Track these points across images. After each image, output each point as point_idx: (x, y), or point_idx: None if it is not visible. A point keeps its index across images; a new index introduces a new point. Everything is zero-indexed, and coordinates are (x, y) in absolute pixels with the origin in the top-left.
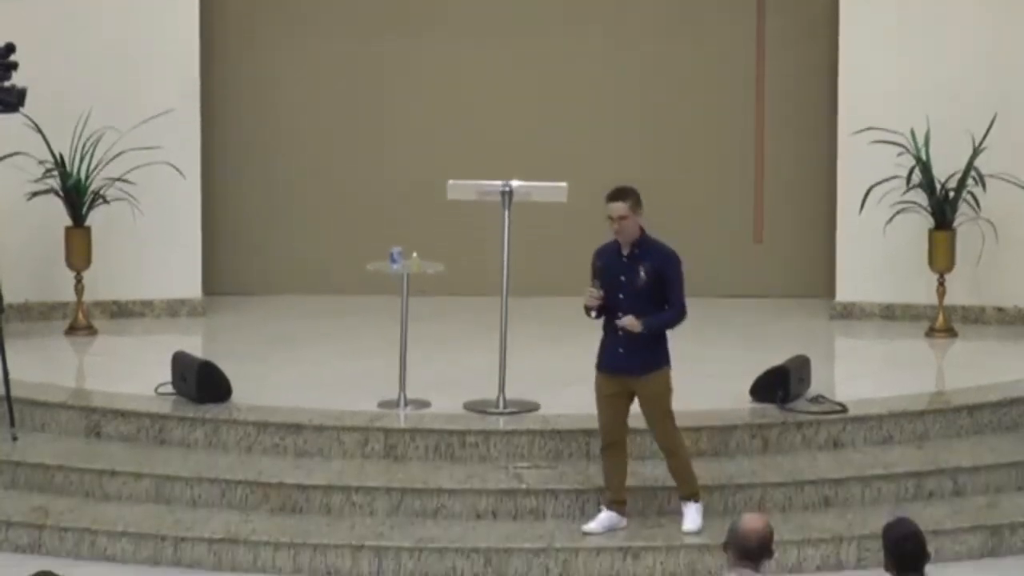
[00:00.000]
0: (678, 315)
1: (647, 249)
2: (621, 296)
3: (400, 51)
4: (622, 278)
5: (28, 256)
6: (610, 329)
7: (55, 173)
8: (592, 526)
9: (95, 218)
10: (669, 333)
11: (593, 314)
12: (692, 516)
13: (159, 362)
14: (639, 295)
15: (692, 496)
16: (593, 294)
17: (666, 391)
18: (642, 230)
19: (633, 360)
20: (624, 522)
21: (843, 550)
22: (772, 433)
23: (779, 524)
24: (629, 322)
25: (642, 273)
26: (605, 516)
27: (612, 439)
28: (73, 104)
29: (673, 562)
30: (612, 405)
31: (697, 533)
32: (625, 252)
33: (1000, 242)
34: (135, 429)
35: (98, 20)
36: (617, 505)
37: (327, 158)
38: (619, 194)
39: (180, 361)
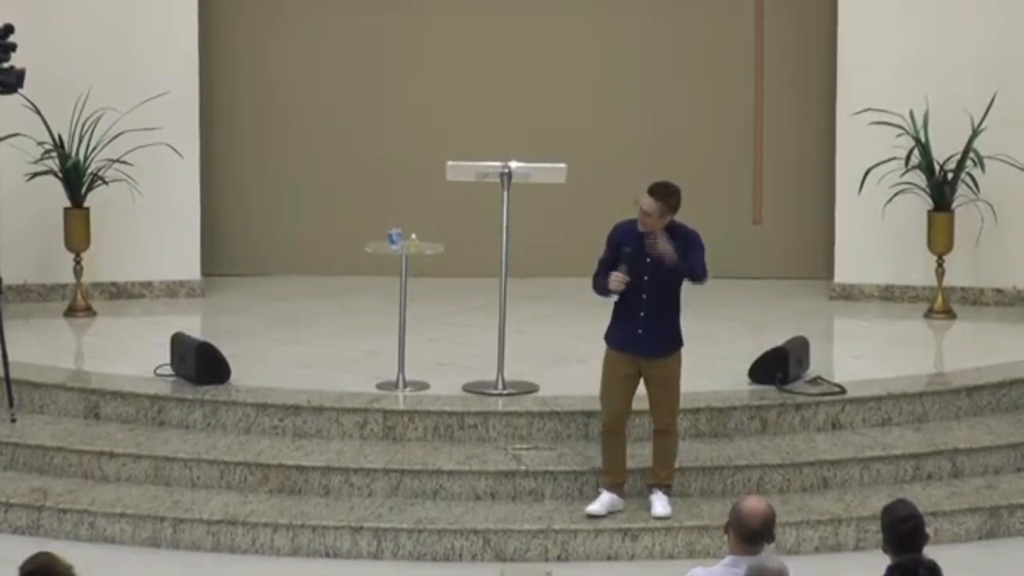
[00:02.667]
0: (703, 271)
1: (673, 232)
2: (646, 278)
3: (401, 31)
4: (648, 260)
5: (27, 238)
6: (627, 308)
7: (54, 154)
8: (595, 508)
9: (94, 199)
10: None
11: (615, 297)
12: (662, 503)
13: (158, 343)
14: (665, 276)
15: (667, 485)
16: (620, 279)
17: (677, 373)
18: (670, 223)
19: (653, 341)
20: (623, 504)
21: (841, 532)
22: (771, 414)
23: (778, 506)
24: (664, 248)
25: (668, 245)
26: (608, 498)
27: (620, 421)
28: (72, 85)
29: (672, 543)
30: (625, 385)
31: (667, 518)
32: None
33: (999, 223)
34: (134, 410)
35: (97, 0)
36: (619, 488)
37: (326, 139)
38: (656, 191)
39: (179, 342)
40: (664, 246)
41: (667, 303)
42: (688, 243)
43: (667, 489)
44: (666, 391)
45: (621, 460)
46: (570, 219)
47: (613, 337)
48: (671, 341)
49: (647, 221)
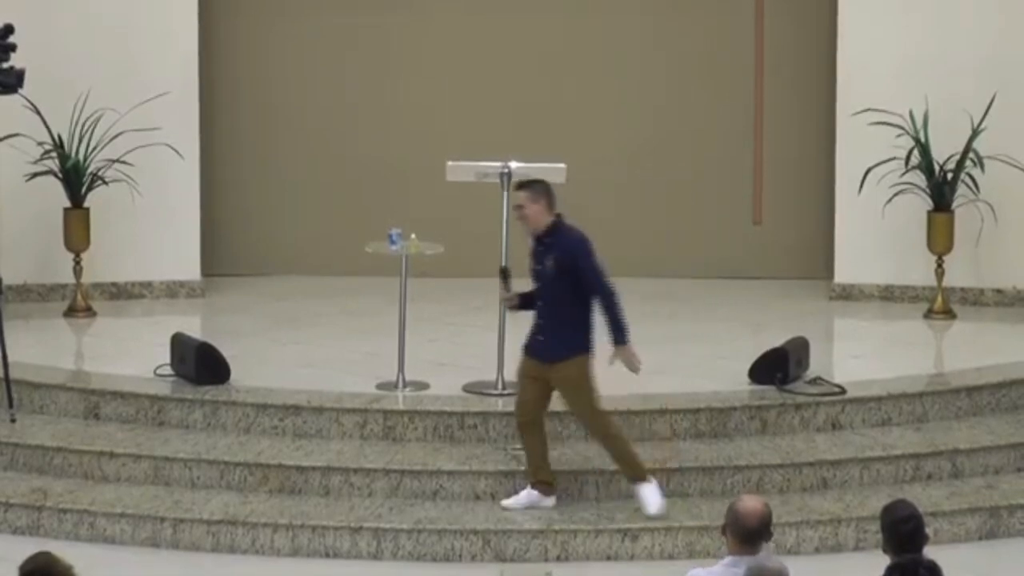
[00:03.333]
0: (610, 299)
1: (557, 238)
2: (538, 285)
3: (401, 31)
4: (537, 267)
5: (27, 238)
6: (535, 315)
7: (54, 154)
8: (509, 501)
9: (94, 200)
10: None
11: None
12: (649, 498)
13: (158, 344)
14: (552, 284)
15: (640, 478)
16: (504, 297)
17: (578, 379)
18: (556, 220)
19: (546, 347)
20: (548, 502)
21: (841, 532)
22: (771, 415)
23: (777, 506)
24: (628, 363)
25: (549, 263)
26: (525, 494)
27: (526, 418)
28: (71, 85)
29: (671, 544)
30: (531, 386)
31: (662, 516)
32: (535, 241)
33: (999, 224)
34: (134, 411)
35: (97, 1)
36: (539, 485)
37: (326, 139)
38: (521, 184)
39: (179, 343)
40: (627, 364)
41: (561, 310)
42: (574, 257)
43: (644, 479)
44: (571, 398)
45: (539, 458)
46: (570, 219)
47: (526, 341)
48: (567, 348)
49: (524, 214)
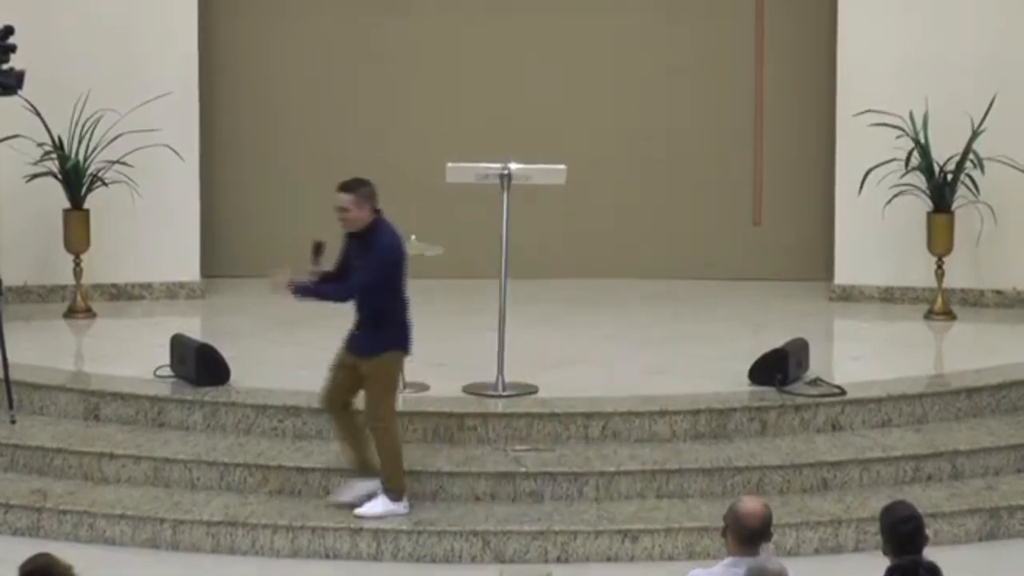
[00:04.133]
0: (344, 291)
1: (376, 236)
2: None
3: (401, 31)
4: (357, 263)
5: (27, 239)
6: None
7: (54, 156)
8: (334, 497)
9: (94, 201)
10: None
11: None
12: (377, 503)
13: (158, 345)
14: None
15: (388, 489)
16: (309, 270)
17: (385, 374)
18: (377, 219)
19: (362, 341)
20: (369, 486)
21: (841, 533)
22: (770, 416)
23: (777, 507)
24: (274, 282)
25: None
26: (356, 484)
27: (327, 404)
28: (71, 86)
29: (671, 545)
30: (340, 374)
31: (364, 518)
32: (357, 239)
33: (999, 225)
34: (134, 412)
35: (97, 2)
36: (362, 472)
37: (326, 139)
38: (346, 186)
39: (179, 344)
40: (275, 281)
41: (367, 308)
42: (371, 255)
43: (390, 494)
44: (371, 390)
45: (346, 444)
46: (570, 220)
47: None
48: (382, 343)
49: (348, 216)
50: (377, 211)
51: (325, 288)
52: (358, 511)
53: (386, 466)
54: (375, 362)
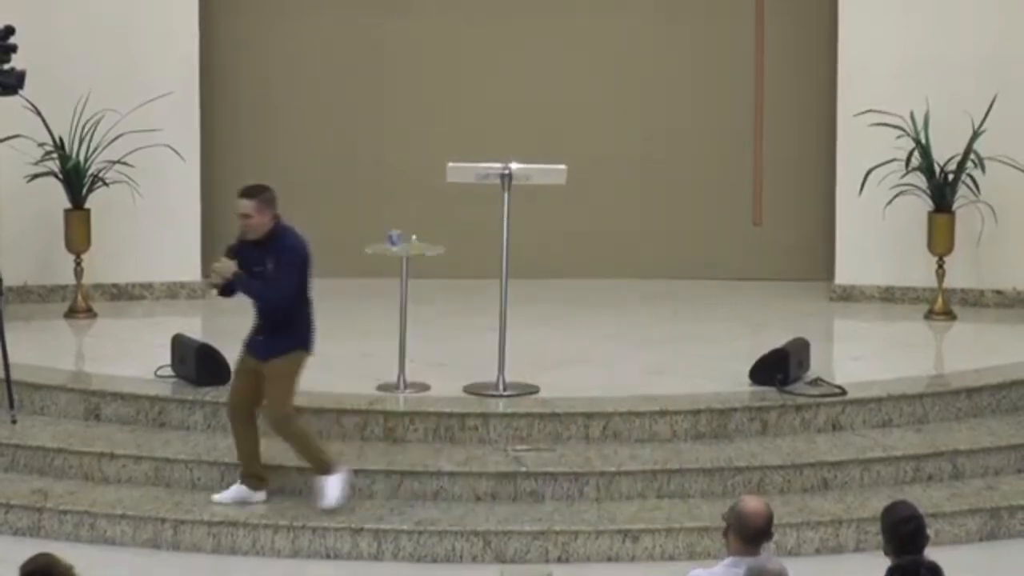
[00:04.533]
0: (270, 292)
1: (279, 241)
2: (244, 291)
3: (401, 31)
4: (258, 269)
5: (27, 239)
6: (255, 314)
7: (54, 156)
8: (220, 496)
9: (94, 201)
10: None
11: (216, 291)
12: (328, 490)
13: (158, 345)
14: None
15: (325, 471)
16: (221, 267)
17: (287, 374)
18: (276, 224)
19: (266, 346)
20: (258, 497)
21: (842, 533)
22: (771, 416)
23: (778, 507)
24: (222, 266)
25: (271, 265)
26: (235, 488)
27: (234, 411)
28: (72, 86)
29: (672, 545)
30: (245, 379)
31: (336, 508)
32: (256, 245)
33: (999, 225)
34: (134, 412)
35: (97, 2)
36: (248, 479)
37: (326, 140)
38: (247, 192)
39: (179, 344)
40: (219, 265)
41: (279, 312)
42: (278, 261)
43: (327, 472)
44: (272, 389)
45: (247, 451)
46: (570, 220)
47: (247, 339)
48: (285, 345)
49: (251, 223)
50: (277, 216)
51: (258, 287)
52: (326, 505)
53: (308, 455)
54: (279, 363)
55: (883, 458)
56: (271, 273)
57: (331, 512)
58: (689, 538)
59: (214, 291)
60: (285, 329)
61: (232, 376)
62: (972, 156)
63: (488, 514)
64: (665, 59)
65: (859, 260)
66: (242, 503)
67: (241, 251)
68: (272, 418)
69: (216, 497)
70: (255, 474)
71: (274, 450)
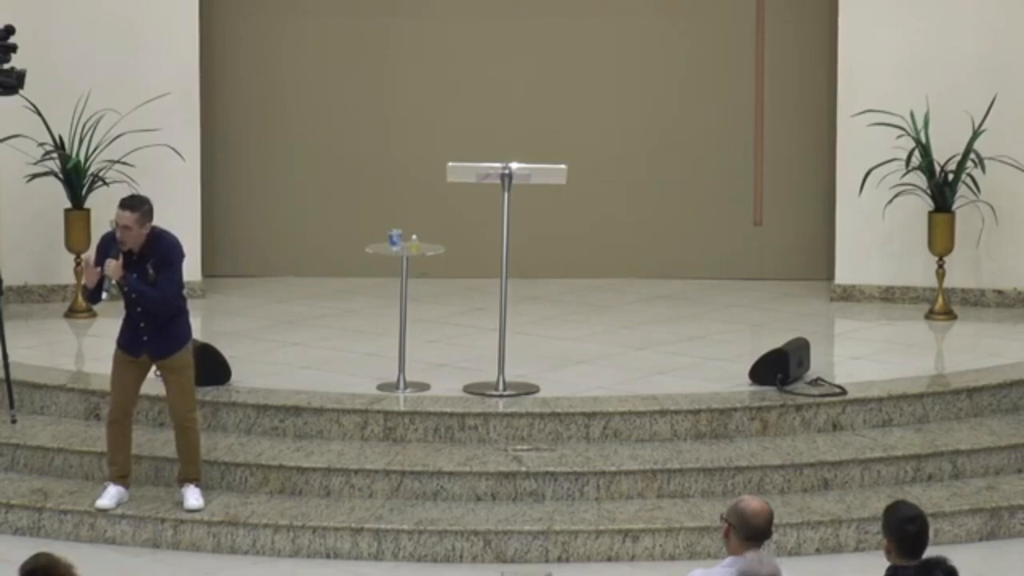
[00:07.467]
0: (156, 294)
1: (155, 246)
2: (134, 295)
3: (401, 31)
4: (134, 275)
5: (28, 238)
6: (129, 316)
7: (55, 155)
8: (105, 502)
9: (95, 200)
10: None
11: (88, 294)
12: (196, 496)
13: None
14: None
15: (195, 479)
16: (107, 267)
17: (190, 364)
18: (151, 231)
19: (158, 344)
20: (128, 496)
21: (842, 533)
22: (771, 416)
23: (778, 507)
24: (113, 267)
25: (150, 270)
26: (115, 490)
27: (123, 416)
28: (72, 86)
29: (672, 545)
30: (130, 383)
31: (200, 510)
32: (131, 253)
33: (1000, 224)
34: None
35: (97, 2)
36: (124, 479)
37: (327, 140)
38: (128, 204)
39: None
40: (110, 267)
41: (151, 312)
42: (160, 262)
43: (197, 482)
44: (179, 383)
45: (127, 453)
46: (571, 220)
47: (121, 337)
48: (177, 341)
49: (130, 235)
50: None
51: (150, 288)
52: (191, 506)
53: (194, 455)
54: (181, 355)
55: (883, 458)
56: (154, 276)
57: (333, 508)
58: (689, 538)
59: (82, 296)
60: (174, 324)
61: (116, 382)
62: (972, 156)
63: (488, 514)
64: (665, 59)
65: (859, 260)
66: (120, 503)
67: (108, 254)
68: (182, 411)
69: (99, 503)
70: (130, 472)
71: (273, 450)
